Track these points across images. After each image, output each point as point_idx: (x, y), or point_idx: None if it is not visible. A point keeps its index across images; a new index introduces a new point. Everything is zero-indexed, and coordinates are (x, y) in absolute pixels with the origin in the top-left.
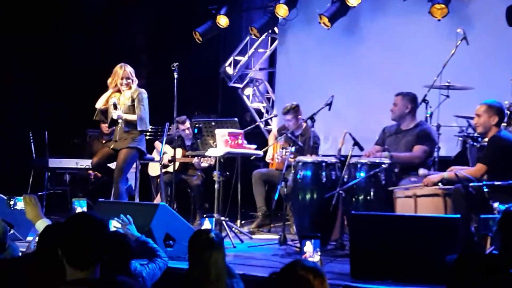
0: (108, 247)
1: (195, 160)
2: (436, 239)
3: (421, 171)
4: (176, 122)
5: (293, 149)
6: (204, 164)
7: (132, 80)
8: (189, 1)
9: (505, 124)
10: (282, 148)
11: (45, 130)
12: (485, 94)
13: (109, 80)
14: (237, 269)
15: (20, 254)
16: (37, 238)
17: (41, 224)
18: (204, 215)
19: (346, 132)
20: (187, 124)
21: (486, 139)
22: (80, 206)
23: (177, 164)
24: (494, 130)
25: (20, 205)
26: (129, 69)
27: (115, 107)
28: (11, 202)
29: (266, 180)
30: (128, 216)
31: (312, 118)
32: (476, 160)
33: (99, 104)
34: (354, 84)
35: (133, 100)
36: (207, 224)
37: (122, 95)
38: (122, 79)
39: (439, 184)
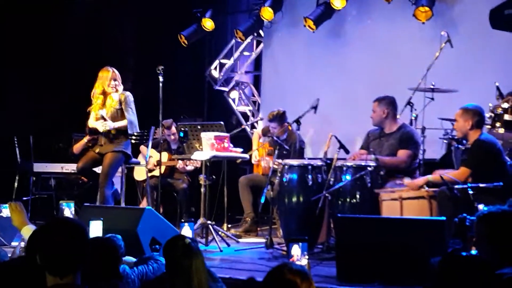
0: (88, 253)
1: (180, 164)
2: (422, 241)
3: (406, 180)
4: (162, 126)
5: (279, 160)
6: (190, 167)
7: (119, 83)
8: (174, 4)
9: (489, 126)
10: (268, 155)
11: (30, 134)
12: (470, 96)
13: (94, 88)
14: (224, 273)
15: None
16: (22, 244)
17: (27, 230)
18: (182, 219)
19: (332, 135)
20: (173, 129)
21: (470, 142)
22: (68, 207)
23: (163, 168)
24: (473, 133)
25: (5, 212)
26: (116, 72)
27: (104, 119)
28: None
29: (253, 185)
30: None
31: (297, 121)
32: (460, 164)
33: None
34: (340, 87)
35: (120, 103)
36: (186, 230)
37: (109, 98)
38: (110, 80)
39: (425, 186)
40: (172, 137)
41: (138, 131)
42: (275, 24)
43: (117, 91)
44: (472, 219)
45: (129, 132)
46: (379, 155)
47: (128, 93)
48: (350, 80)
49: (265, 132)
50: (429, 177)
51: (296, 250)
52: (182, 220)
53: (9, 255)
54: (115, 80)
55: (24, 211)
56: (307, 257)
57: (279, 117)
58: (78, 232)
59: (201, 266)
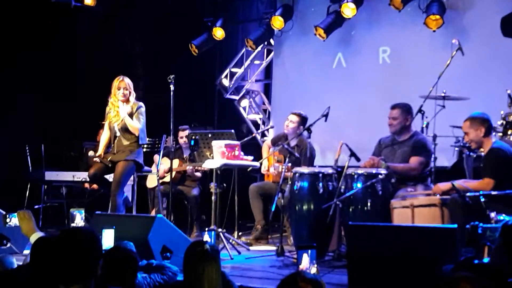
0: (98, 262)
1: (189, 168)
2: (434, 249)
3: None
4: (178, 130)
5: (289, 164)
6: (198, 173)
7: (130, 92)
8: (185, 13)
9: (500, 134)
10: (278, 162)
11: (41, 143)
12: (481, 104)
13: (111, 97)
14: (235, 280)
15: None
16: None
17: (35, 237)
18: (206, 229)
19: (343, 143)
20: (186, 132)
21: (482, 149)
22: (79, 214)
23: (174, 174)
24: (488, 141)
25: (14, 221)
26: (127, 81)
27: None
28: (7, 220)
29: (263, 193)
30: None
31: (308, 129)
32: (482, 174)
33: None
34: (350, 95)
35: (131, 114)
36: (206, 238)
37: (121, 108)
38: (119, 89)
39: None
40: (185, 139)
41: (146, 141)
42: (285, 33)
43: (128, 100)
44: (484, 226)
45: (140, 142)
46: (391, 163)
47: (141, 104)
48: (360, 88)
49: (275, 142)
50: (455, 182)
51: (305, 259)
52: (206, 229)
53: (20, 263)
54: (125, 89)
55: (32, 219)
56: (316, 265)
57: (302, 117)
58: (90, 242)
59: (213, 272)
